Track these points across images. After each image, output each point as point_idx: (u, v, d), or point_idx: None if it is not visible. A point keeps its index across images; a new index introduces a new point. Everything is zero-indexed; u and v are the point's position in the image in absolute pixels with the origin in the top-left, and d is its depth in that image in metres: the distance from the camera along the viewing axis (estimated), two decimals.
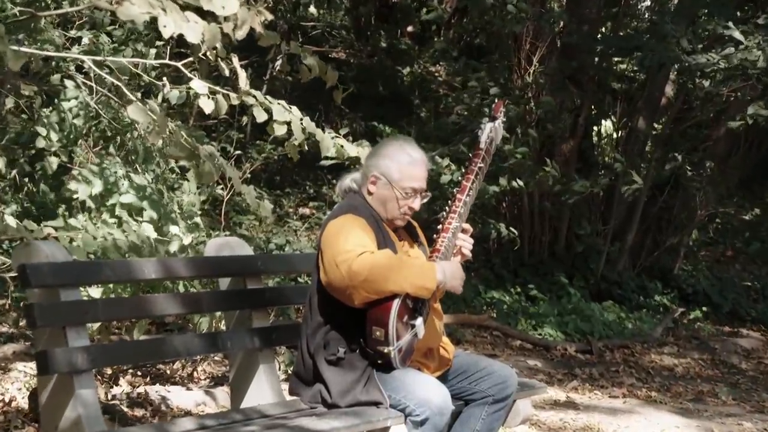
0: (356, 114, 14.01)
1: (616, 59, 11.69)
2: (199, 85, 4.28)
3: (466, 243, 3.97)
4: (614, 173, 10.46)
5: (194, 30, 3.79)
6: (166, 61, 4.73)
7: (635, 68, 11.85)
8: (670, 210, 11.86)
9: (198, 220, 6.80)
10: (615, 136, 12.05)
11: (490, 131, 4.08)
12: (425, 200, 3.97)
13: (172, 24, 3.71)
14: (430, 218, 8.24)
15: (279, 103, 4.62)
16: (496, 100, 4.31)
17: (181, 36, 3.78)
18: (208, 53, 4.25)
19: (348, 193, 4.00)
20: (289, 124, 4.58)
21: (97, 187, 6.12)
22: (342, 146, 5.00)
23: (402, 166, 3.88)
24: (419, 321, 3.70)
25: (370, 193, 3.92)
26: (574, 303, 10.06)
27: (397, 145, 3.95)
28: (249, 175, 9.38)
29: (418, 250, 4.03)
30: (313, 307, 3.86)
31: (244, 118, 10.66)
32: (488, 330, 9.03)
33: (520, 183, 9.53)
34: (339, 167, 8.90)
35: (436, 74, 16.11)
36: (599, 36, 11.43)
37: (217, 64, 4.38)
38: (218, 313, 5.71)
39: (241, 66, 4.38)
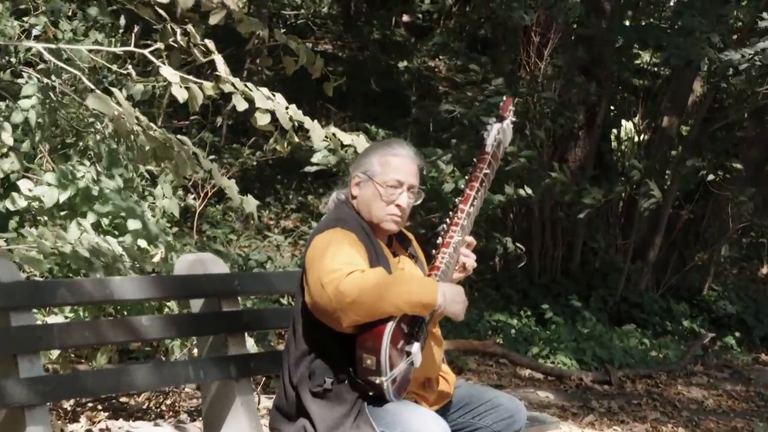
0: (345, 114, 14.04)
1: (636, 51, 11.72)
2: (169, 72, 4.27)
3: (468, 259, 3.97)
4: (631, 182, 10.45)
5: None
6: (132, 48, 4.72)
7: (658, 62, 11.90)
8: (698, 222, 11.89)
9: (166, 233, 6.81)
10: (636, 138, 12.07)
11: (498, 133, 4.05)
12: (417, 201, 3.95)
13: None
14: (429, 233, 8.26)
15: (260, 90, 4.61)
16: (505, 98, 4.29)
17: (147, 25, 3.78)
18: (179, 38, 4.25)
19: (337, 205, 4.00)
20: (273, 113, 4.57)
21: (65, 193, 6.12)
22: (334, 134, 4.99)
23: (383, 157, 3.89)
24: (416, 347, 3.70)
25: (354, 197, 3.92)
26: (591, 327, 10.07)
27: (383, 143, 3.99)
28: None
29: (415, 267, 4.02)
30: (296, 332, 3.85)
31: (219, 119, 10.67)
32: (494, 357, 9.03)
33: (529, 191, 9.54)
34: (325, 174, 8.90)
35: (436, 69, 16.15)
36: (618, 27, 11.46)
37: (189, 50, 4.37)
38: (190, 339, 5.70)
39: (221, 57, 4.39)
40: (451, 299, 3.74)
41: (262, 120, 4.57)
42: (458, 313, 3.78)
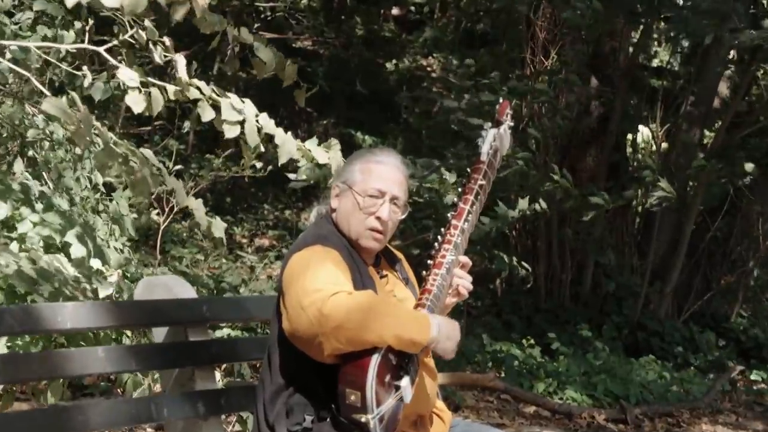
0: (328, 119, 14.06)
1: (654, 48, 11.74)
2: (127, 74, 4.26)
3: (462, 281, 3.96)
4: (643, 183, 10.38)
5: None
6: (85, 45, 4.70)
7: (679, 60, 11.92)
8: (725, 241, 11.92)
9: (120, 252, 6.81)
10: (654, 146, 12.09)
11: (494, 139, 4.06)
12: (402, 215, 3.94)
13: None
14: (423, 253, 8.26)
15: (229, 97, 4.60)
16: (501, 101, 4.29)
17: (103, 20, 3.76)
18: (135, 34, 4.24)
19: (317, 220, 4.01)
20: (242, 123, 4.56)
21: (2, 210, 6.12)
22: (309, 150, 4.98)
23: (364, 165, 3.89)
24: (405, 381, 3.69)
25: (334, 210, 3.92)
26: (604, 359, 10.09)
27: (366, 150, 4.00)
28: (193, 196, 9.41)
29: (405, 290, 4.03)
30: (272, 364, 3.86)
31: (186, 124, 10.67)
32: (494, 393, 9.04)
33: (544, 206, 9.49)
34: (305, 186, 8.88)
35: (429, 69, 16.18)
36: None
37: (147, 48, 4.36)
38: (152, 372, 5.70)
39: (188, 59, 4.38)
40: (446, 335, 3.74)
41: (230, 132, 4.55)
42: (449, 350, 3.77)
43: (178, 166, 9.12)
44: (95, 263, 6.01)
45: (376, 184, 3.86)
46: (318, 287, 3.56)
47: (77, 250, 6.07)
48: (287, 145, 4.78)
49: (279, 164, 4.96)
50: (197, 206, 4.65)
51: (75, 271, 5.65)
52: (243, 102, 4.64)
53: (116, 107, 7.84)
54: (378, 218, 3.86)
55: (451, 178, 9.23)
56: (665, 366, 10.51)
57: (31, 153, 7.23)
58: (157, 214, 8.35)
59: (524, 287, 10.40)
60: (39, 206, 6.22)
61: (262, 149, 4.78)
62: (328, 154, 5.03)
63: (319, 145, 5.30)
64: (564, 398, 9.23)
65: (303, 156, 4.98)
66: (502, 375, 9.45)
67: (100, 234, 6.84)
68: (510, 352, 10.11)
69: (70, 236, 6.12)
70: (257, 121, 4.64)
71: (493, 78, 9.90)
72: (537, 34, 10.84)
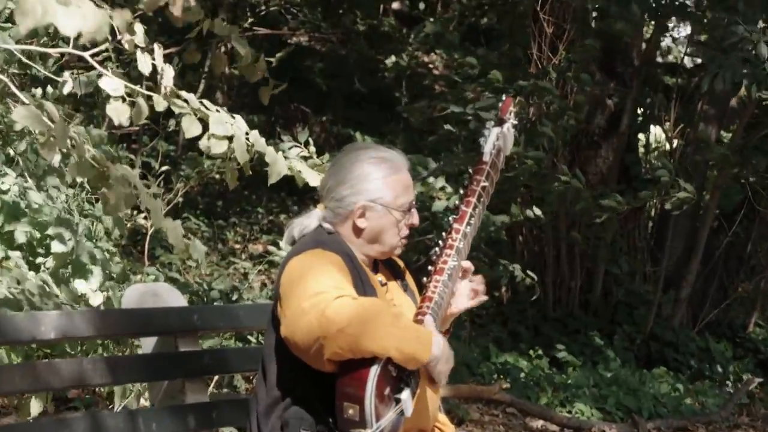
0: (324, 119, 14.06)
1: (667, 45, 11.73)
2: (110, 83, 4.23)
3: (479, 285, 4.00)
4: (658, 185, 10.37)
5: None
6: (69, 49, 4.68)
7: (693, 55, 11.91)
8: (742, 246, 11.91)
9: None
10: (668, 146, 12.09)
11: (497, 138, 4.05)
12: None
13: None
14: (422, 257, 8.26)
15: (218, 111, 4.58)
16: (504, 97, 4.29)
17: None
18: (124, 41, 4.22)
19: (317, 230, 3.97)
20: (231, 139, 4.54)
21: None
22: (300, 171, 4.96)
23: (390, 180, 3.87)
24: (406, 394, 3.69)
25: (359, 230, 3.90)
26: (615, 370, 10.09)
27: (365, 158, 3.91)
28: (181, 199, 9.39)
29: (405, 296, 4.03)
30: (267, 375, 3.85)
31: (172, 122, 10.64)
32: (500, 406, 9.03)
33: (538, 212, 9.52)
34: (300, 188, 8.88)
35: (431, 66, 16.19)
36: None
37: (134, 54, 4.34)
38: (139, 385, 5.70)
39: (171, 56, 4.36)
40: (446, 357, 3.75)
41: (218, 148, 4.52)
42: (444, 374, 3.79)
43: (166, 167, 9.10)
44: (80, 286, 6.00)
45: (408, 197, 3.92)
46: (321, 290, 3.56)
47: (54, 248, 6.06)
48: (278, 164, 4.76)
49: (269, 183, 4.93)
50: (173, 228, 4.61)
51: (61, 295, 5.64)
52: (233, 117, 4.62)
53: (103, 104, 7.81)
54: (409, 226, 3.94)
55: (437, 183, 9.22)
56: (679, 378, 10.51)
57: (11, 152, 7.21)
58: (144, 218, 8.33)
59: (531, 295, 10.39)
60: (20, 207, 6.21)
61: (249, 172, 4.74)
62: (321, 177, 5.02)
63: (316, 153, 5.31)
64: (573, 412, 9.23)
65: (293, 173, 4.95)
66: (508, 387, 9.44)
67: (82, 237, 6.83)
68: (516, 363, 10.11)
69: (52, 232, 6.11)
70: (247, 138, 4.61)
71: (494, 78, 9.89)
72: (544, 29, 10.83)
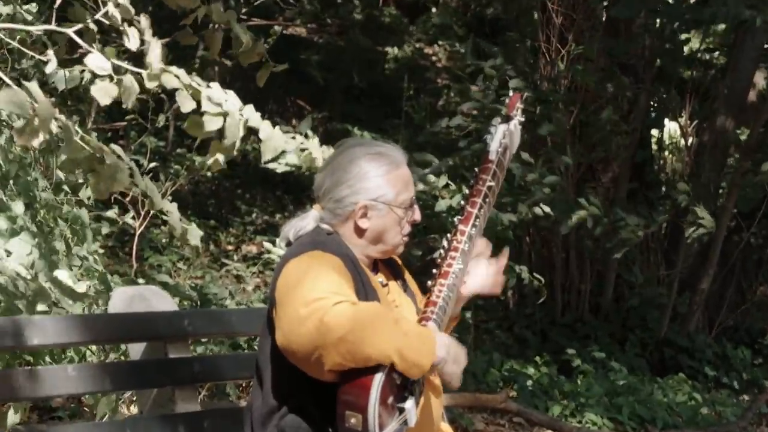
0: (322, 114, 14.06)
1: (684, 36, 11.73)
2: (97, 62, 4.20)
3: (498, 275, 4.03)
4: (676, 206, 10.43)
5: None
6: (52, 26, 4.64)
7: (710, 47, 11.89)
8: (761, 248, 11.92)
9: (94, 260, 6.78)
10: (683, 143, 12.10)
11: (504, 136, 4.05)
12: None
13: None
14: (425, 258, 8.25)
15: (209, 86, 4.57)
16: (511, 93, 4.28)
17: None
18: (111, 13, 4.18)
19: (316, 231, 3.95)
20: (225, 116, 4.52)
21: None
22: (310, 151, 4.95)
23: (390, 177, 3.87)
24: (410, 403, 3.68)
25: (361, 230, 3.89)
26: (627, 378, 10.08)
27: (361, 154, 3.90)
28: (170, 198, 9.38)
29: (405, 297, 4.02)
30: (263, 383, 3.85)
31: (161, 117, 10.62)
32: (506, 415, 9.04)
33: (547, 209, 9.53)
34: (297, 186, 8.87)
35: (434, 58, 16.20)
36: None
37: (120, 29, 4.31)
38: (127, 393, 5.68)
39: (162, 45, 4.34)
40: (454, 357, 3.73)
41: (212, 124, 4.51)
42: (456, 375, 3.77)
43: (154, 164, 9.07)
44: (61, 275, 5.98)
45: (409, 192, 3.92)
46: (319, 296, 3.53)
47: (11, 248, 6.02)
48: (274, 140, 4.74)
49: (263, 161, 4.92)
50: (172, 209, 4.61)
51: (45, 282, 5.62)
52: (226, 93, 4.61)
53: (89, 98, 7.80)
54: (411, 222, 3.96)
55: (440, 181, 9.22)
56: (695, 386, 10.50)
57: None
58: (132, 218, 8.31)
59: (538, 298, 10.38)
60: None
61: (235, 153, 4.72)
62: (322, 149, 5.00)
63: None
64: (583, 422, 9.22)
65: (303, 158, 4.93)
66: (515, 395, 9.44)
67: (57, 243, 6.78)
68: (523, 371, 10.11)
69: (14, 243, 6.06)
70: (241, 114, 4.60)
71: (495, 73, 9.91)
72: (553, 19, 10.83)
